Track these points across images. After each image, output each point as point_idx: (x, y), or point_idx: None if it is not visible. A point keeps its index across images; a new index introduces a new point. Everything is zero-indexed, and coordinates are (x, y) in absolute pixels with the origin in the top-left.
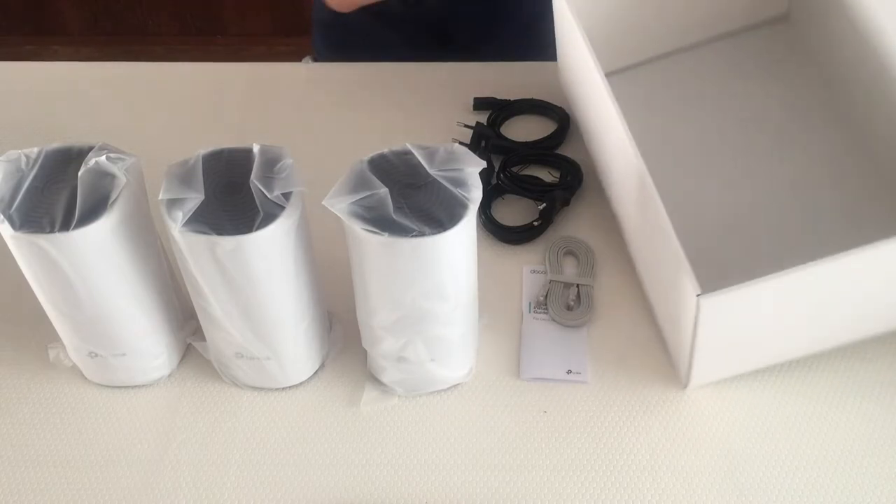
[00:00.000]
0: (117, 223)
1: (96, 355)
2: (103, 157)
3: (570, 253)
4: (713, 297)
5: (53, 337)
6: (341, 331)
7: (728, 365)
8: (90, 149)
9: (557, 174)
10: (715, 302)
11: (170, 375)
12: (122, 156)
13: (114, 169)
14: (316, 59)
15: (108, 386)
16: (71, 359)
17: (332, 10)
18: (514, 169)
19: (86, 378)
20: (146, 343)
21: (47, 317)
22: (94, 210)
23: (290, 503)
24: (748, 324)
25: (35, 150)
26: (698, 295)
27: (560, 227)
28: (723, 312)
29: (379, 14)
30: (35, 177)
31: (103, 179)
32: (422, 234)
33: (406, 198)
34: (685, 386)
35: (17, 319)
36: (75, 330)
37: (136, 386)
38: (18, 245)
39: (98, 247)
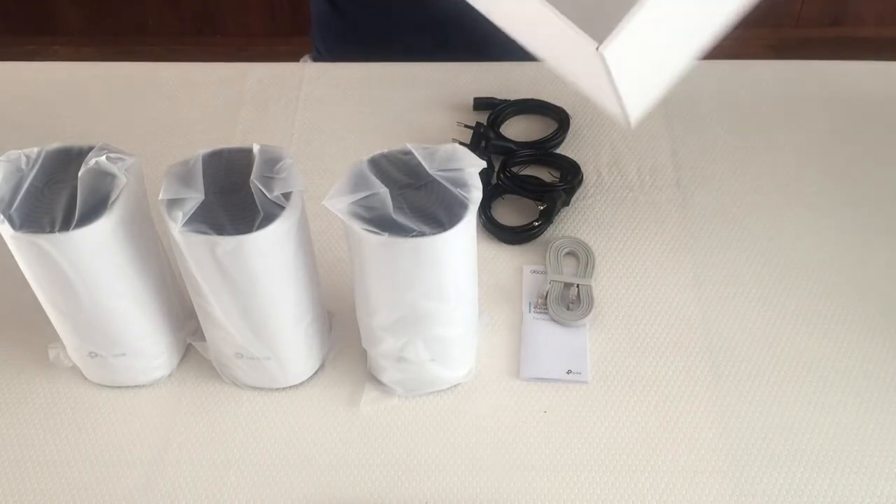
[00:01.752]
0: (117, 223)
1: (96, 355)
2: (103, 157)
3: (570, 253)
4: (611, 44)
5: (53, 337)
6: (341, 331)
7: (652, 86)
8: (90, 149)
9: (557, 174)
10: (615, 46)
11: (170, 375)
12: (122, 156)
13: (114, 169)
14: (315, 58)
15: (108, 386)
16: (71, 359)
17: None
18: (514, 169)
19: (86, 378)
20: (146, 343)
21: (47, 317)
22: (95, 210)
23: (289, 503)
24: (651, 42)
25: (35, 150)
26: (597, 49)
27: (560, 227)
28: (625, 49)
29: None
30: (35, 177)
31: (103, 179)
32: (422, 234)
33: (406, 198)
34: (630, 125)
35: (17, 319)
36: (75, 330)
37: (136, 386)
38: (18, 245)
39: (98, 247)
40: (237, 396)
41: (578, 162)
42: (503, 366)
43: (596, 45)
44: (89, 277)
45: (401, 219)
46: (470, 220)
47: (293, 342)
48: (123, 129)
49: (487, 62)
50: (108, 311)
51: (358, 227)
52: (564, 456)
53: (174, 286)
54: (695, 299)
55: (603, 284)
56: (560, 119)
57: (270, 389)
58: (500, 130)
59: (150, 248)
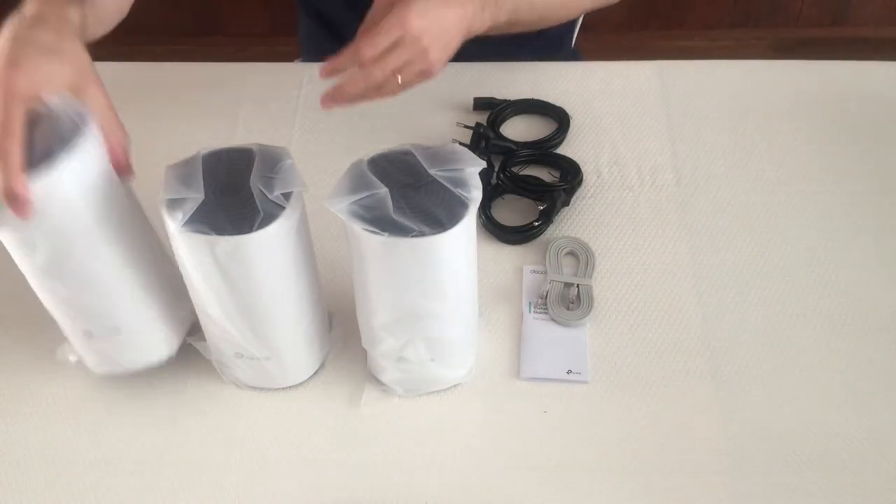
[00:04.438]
0: (78, 186)
1: (91, 335)
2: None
3: (570, 253)
4: None
5: (59, 338)
6: (341, 331)
7: None
8: None
9: (557, 174)
10: None
11: (170, 375)
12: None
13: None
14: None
15: (110, 376)
16: (76, 352)
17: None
18: (514, 169)
19: (86, 377)
20: (140, 318)
21: (51, 317)
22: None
23: (290, 503)
24: None
25: None
26: None
27: (560, 227)
28: None
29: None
30: None
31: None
32: (422, 234)
33: (406, 198)
34: None
35: (19, 320)
36: (68, 307)
37: (136, 375)
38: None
39: (65, 203)
40: (237, 396)
41: (578, 162)
42: (503, 366)
43: None
44: (67, 250)
45: (401, 219)
46: (470, 220)
47: (293, 342)
48: None
49: (487, 62)
50: (94, 281)
51: (358, 227)
52: (564, 456)
53: (165, 259)
54: (695, 299)
55: (603, 284)
56: (560, 119)
57: (270, 389)
58: (500, 130)
59: (129, 218)
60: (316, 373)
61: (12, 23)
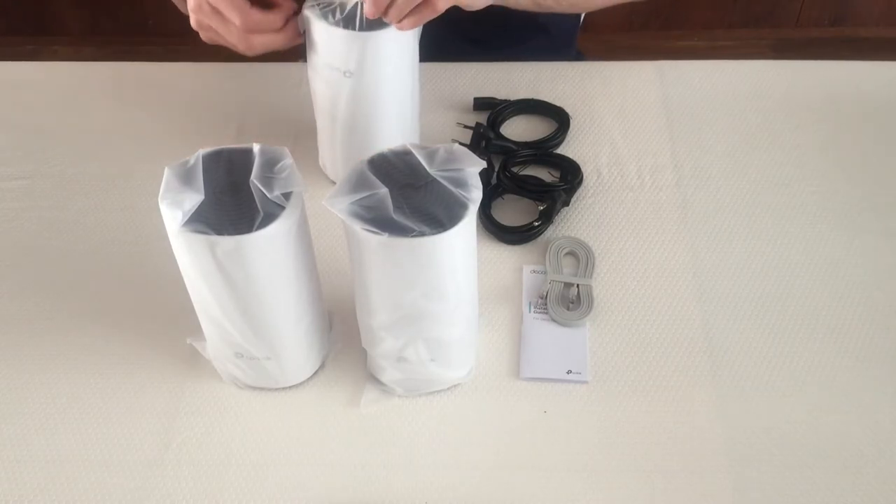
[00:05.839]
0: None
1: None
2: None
3: (570, 253)
4: None
5: (54, 337)
6: (341, 331)
7: None
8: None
9: (557, 174)
10: None
11: (170, 375)
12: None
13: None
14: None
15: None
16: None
17: None
18: (514, 169)
19: (86, 376)
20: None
21: (45, 313)
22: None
23: (289, 503)
24: None
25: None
26: None
27: (560, 227)
28: None
29: None
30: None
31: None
32: (422, 234)
33: (406, 198)
34: None
35: (18, 321)
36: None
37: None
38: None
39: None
40: (237, 396)
41: (578, 162)
42: (503, 366)
43: None
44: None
45: (401, 219)
46: (470, 220)
47: (293, 342)
48: (123, 129)
49: (487, 62)
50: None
51: (358, 227)
52: (564, 456)
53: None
54: (695, 299)
55: (603, 284)
56: (560, 119)
57: (270, 389)
58: (500, 130)
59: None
60: (316, 373)
61: None
